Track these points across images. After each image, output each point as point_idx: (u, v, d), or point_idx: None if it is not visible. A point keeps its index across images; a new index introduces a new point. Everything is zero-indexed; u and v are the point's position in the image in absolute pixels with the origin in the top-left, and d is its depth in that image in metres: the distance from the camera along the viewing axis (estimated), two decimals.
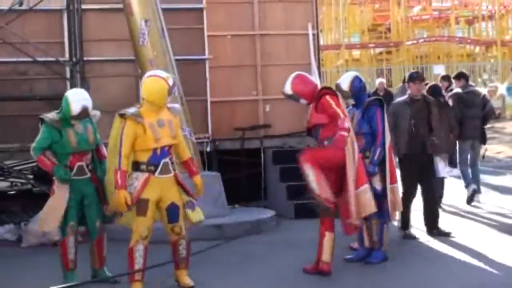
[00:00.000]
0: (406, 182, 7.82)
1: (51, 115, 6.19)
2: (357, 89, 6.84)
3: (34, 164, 10.13)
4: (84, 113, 6.11)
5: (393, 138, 7.60)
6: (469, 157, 10.18)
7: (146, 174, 5.75)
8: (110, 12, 10.13)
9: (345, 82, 6.88)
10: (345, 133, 6.03)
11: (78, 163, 6.14)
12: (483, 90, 13.30)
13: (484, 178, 11.58)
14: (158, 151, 5.78)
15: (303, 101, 6.46)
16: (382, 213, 6.70)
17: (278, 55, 10.93)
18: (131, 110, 5.81)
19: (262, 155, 10.49)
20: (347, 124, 6.13)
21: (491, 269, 6.45)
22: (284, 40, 11.01)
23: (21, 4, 9.37)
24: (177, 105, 6.18)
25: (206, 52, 10.64)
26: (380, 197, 6.68)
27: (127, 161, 5.71)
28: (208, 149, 10.31)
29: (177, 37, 9.90)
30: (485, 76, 29.60)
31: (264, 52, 10.92)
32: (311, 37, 11.01)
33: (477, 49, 36.01)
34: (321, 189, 6.09)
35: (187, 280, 5.97)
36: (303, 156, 6.18)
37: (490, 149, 15.55)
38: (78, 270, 6.21)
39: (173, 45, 9.43)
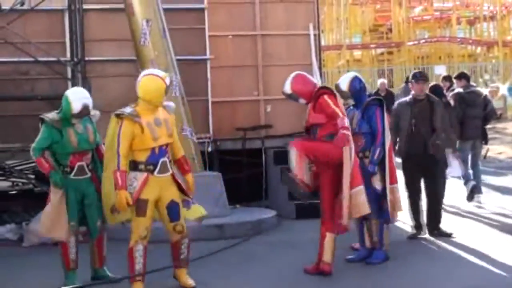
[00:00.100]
0: (409, 183, 7.83)
1: (51, 115, 6.19)
2: (357, 89, 6.85)
3: (35, 164, 10.13)
4: (84, 111, 6.11)
5: (393, 138, 7.62)
6: (470, 157, 10.18)
7: (145, 174, 5.74)
8: (111, 12, 10.13)
9: (344, 82, 6.89)
10: (347, 132, 6.04)
11: (79, 163, 6.15)
12: (484, 91, 13.29)
13: (485, 178, 11.57)
14: (157, 150, 5.77)
15: (302, 101, 6.47)
16: (382, 213, 6.70)
17: (280, 56, 10.93)
18: (128, 109, 5.77)
19: (263, 155, 10.49)
20: (347, 123, 6.13)
21: (492, 270, 6.45)
22: (286, 40, 11.01)
23: (22, 4, 9.38)
24: (172, 103, 6.15)
25: (207, 52, 10.64)
26: (379, 197, 6.68)
27: (126, 161, 5.69)
28: (209, 149, 10.31)
29: (179, 37, 9.90)
30: (487, 77, 29.56)
31: (266, 52, 10.92)
32: (312, 37, 11.00)
33: (479, 49, 35.99)
34: (298, 169, 6.12)
35: (188, 280, 5.97)
36: (293, 142, 6.23)
37: (492, 150, 15.53)
38: (78, 269, 6.20)
39: (174, 45, 9.44)
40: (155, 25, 9.15)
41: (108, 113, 6.18)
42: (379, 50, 36.28)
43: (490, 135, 11.96)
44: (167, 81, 5.86)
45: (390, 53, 35.61)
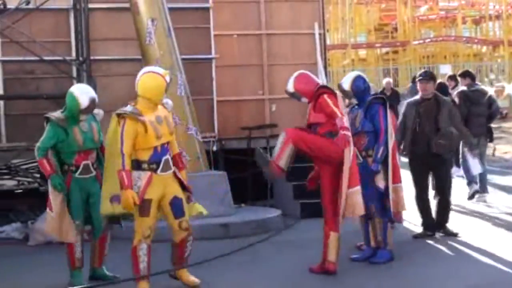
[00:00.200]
0: (416, 182, 7.84)
1: (57, 114, 6.19)
2: (359, 88, 6.84)
3: None
4: (92, 106, 6.13)
5: (400, 137, 7.62)
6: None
7: (148, 173, 5.69)
8: (116, 11, 10.15)
9: (346, 82, 6.90)
10: (347, 132, 6.05)
11: (84, 162, 6.15)
12: (490, 90, 13.27)
13: (491, 178, 11.55)
14: (159, 149, 5.73)
15: (304, 100, 6.47)
16: (386, 212, 6.69)
17: (285, 55, 10.93)
18: (129, 108, 5.71)
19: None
20: (346, 122, 6.12)
21: (499, 269, 6.43)
22: (291, 39, 11.01)
23: (28, 3, 9.39)
24: (169, 101, 6.10)
25: (213, 51, 10.65)
26: (382, 195, 6.67)
27: (130, 160, 5.65)
28: (215, 148, 10.32)
29: (184, 36, 9.91)
30: (492, 76, 29.50)
31: (271, 52, 10.92)
32: (317, 36, 11.00)
33: (484, 49, 35.89)
34: (278, 152, 6.15)
35: (190, 277, 5.93)
36: (288, 129, 6.24)
37: (498, 149, 15.51)
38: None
39: (180, 44, 9.44)
40: (160, 24, 9.16)
41: (113, 112, 6.17)
42: (384, 50, 36.19)
43: (496, 134, 11.94)
44: (168, 78, 5.82)
45: (395, 52, 35.53)
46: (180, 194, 5.86)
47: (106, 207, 5.95)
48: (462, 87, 10.28)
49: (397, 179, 6.80)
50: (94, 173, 6.21)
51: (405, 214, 7.35)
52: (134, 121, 5.64)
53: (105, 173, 5.98)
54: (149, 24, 9.11)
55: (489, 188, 10.56)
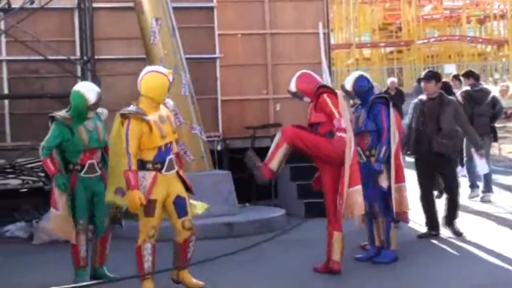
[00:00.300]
0: (421, 181, 7.84)
1: (62, 113, 6.20)
2: (361, 88, 6.84)
3: None
4: (99, 101, 6.14)
5: (406, 137, 7.63)
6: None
7: (153, 173, 5.67)
8: (121, 11, 10.17)
9: (348, 82, 6.91)
10: (343, 134, 6.03)
11: (89, 161, 6.16)
12: (494, 90, 13.26)
13: (496, 178, 11.53)
14: (163, 148, 5.71)
15: (306, 99, 6.48)
16: (389, 211, 6.69)
17: (289, 54, 10.93)
18: (133, 108, 5.68)
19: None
20: (344, 124, 6.11)
21: (503, 268, 6.42)
22: (295, 39, 11.01)
23: (32, 2, 9.41)
24: (171, 100, 6.09)
25: (217, 50, 10.65)
26: (386, 195, 6.66)
27: (136, 160, 5.62)
28: (219, 147, 10.32)
29: (188, 36, 9.92)
30: (497, 76, 29.48)
31: (275, 51, 10.92)
32: (321, 36, 11.00)
33: (489, 48, 35.87)
34: (271, 154, 6.12)
35: (192, 280, 5.89)
36: (285, 128, 6.23)
37: (502, 149, 15.48)
38: None
39: (184, 43, 9.45)
40: (165, 24, 9.17)
41: (117, 111, 6.17)
42: (388, 49, 36.20)
43: (500, 134, 11.92)
44: (171, 78, 5.81)
45: (399, 51, 35.53)
46: (183, 193, 5.85)
47: (111, 197, 5.97)
48: (465, 87, 10.28)
49: (400, 178, 6.80)
50: (99, 172, 6.21)
51: (410, 214, 7.34)
52: (139, 121, 5.61)
53: (110, 170, 5.99)
54: (153, 23, 9.12)
55: (494, 188, 10.55)
